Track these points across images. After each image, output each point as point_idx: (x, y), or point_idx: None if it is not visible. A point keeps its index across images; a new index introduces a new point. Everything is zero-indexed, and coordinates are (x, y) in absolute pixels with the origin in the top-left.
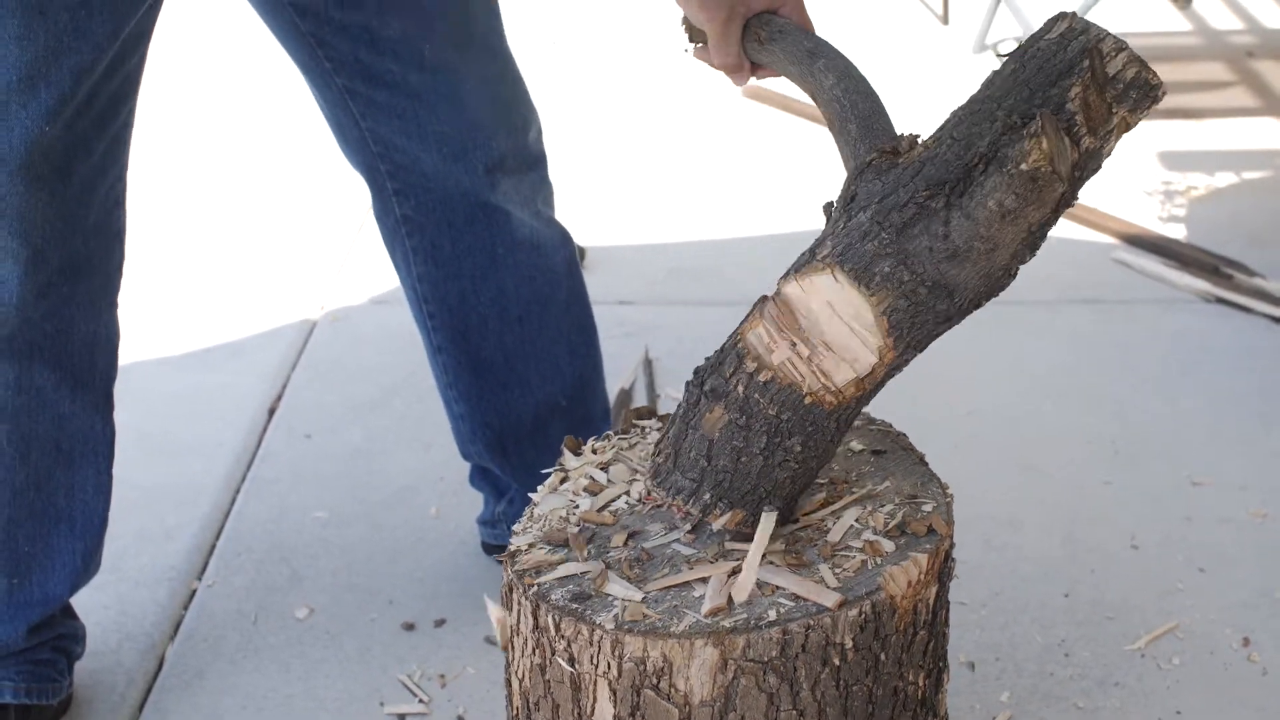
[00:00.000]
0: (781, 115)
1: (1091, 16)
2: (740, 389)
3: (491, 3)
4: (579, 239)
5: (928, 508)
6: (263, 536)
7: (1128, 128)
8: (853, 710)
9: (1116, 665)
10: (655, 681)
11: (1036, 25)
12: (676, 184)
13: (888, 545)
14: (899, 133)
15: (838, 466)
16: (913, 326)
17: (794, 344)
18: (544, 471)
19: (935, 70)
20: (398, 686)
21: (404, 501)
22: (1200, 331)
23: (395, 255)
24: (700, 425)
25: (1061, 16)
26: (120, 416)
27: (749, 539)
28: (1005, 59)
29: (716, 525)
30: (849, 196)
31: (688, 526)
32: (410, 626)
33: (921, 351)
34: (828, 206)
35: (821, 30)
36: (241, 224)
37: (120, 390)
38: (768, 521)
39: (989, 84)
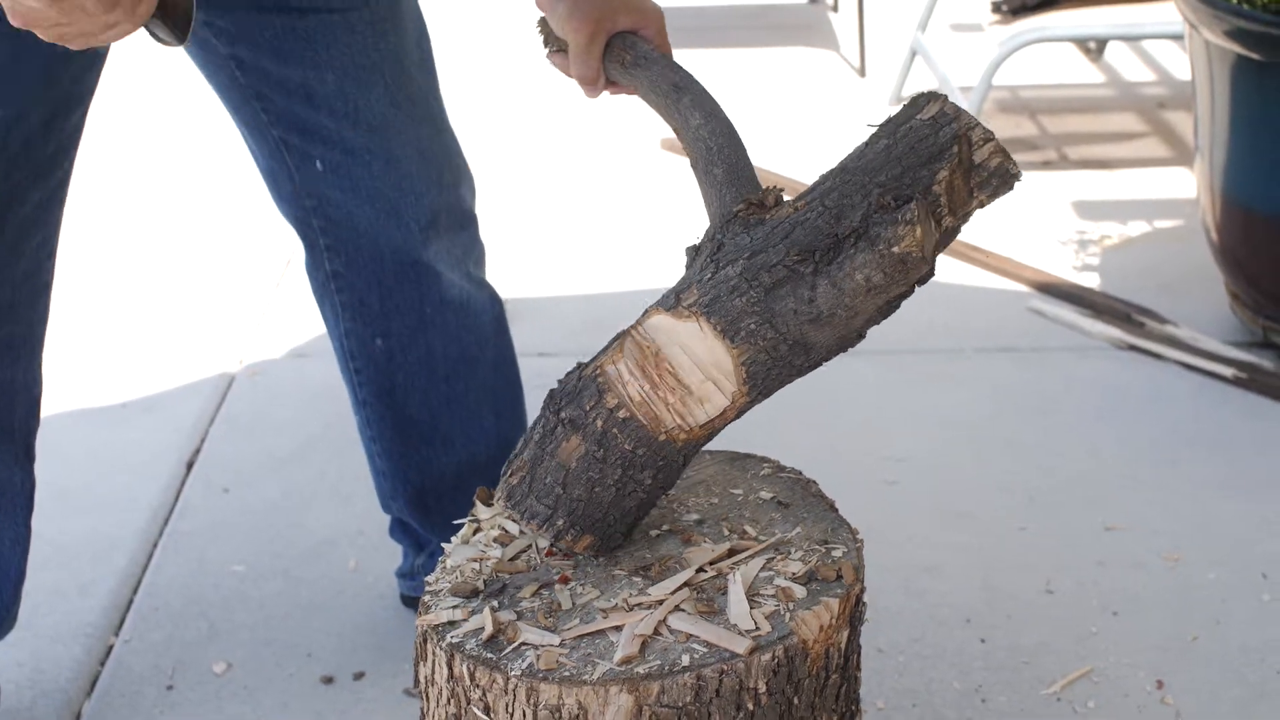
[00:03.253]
0: None
1: (1005, 69)
2: (599, 423)
3: (428, 62)
4: (500, 291)
5: (838, 553)
6: (180, 591)
7: (981, 207)
8: None
9: (1033, 709)
10: None
11: (951, 78)
12: (596, 235)
13: (799, 591)
14: (764, 185)
15: (748, 514)
16: (768, 377)
17: (653, 383)
18: (456, 523)
19: (852, 122)
20: None
21: (322, 555)
22: (1114, 378)
23: (324, 309)
24: (556, 453)
25: (934, 97)
26: (35, 470)
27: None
28: (876, 130)
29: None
30: (715, 245)
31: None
32: (329, 680)
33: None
34: (690, 250)
35: (739, 81)
36: (159, 277)
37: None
38: (676, 579)
39: (860, 155)
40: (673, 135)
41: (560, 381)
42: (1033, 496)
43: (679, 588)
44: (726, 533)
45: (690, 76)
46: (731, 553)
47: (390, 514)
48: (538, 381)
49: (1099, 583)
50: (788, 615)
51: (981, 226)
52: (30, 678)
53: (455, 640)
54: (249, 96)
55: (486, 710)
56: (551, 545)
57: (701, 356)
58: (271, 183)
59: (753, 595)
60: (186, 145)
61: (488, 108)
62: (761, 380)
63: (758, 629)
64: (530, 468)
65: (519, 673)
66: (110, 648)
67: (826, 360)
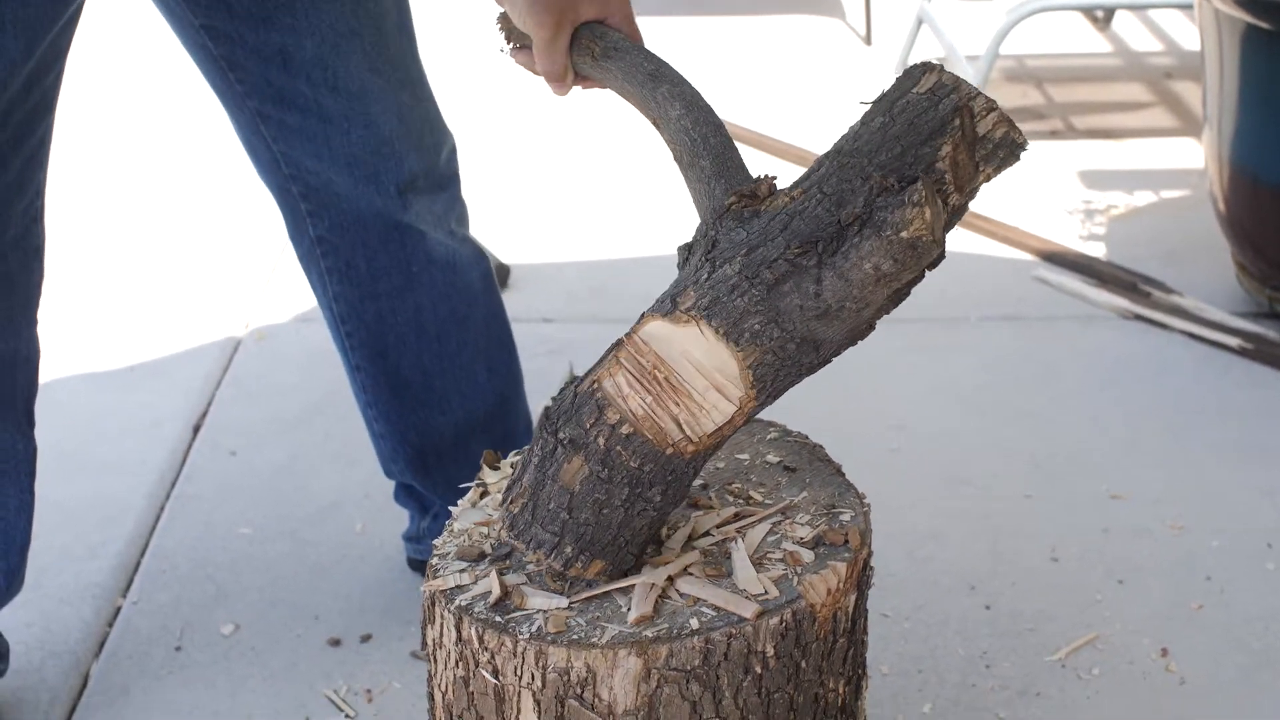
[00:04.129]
0: None
1: (1011, 38)
2: (601, 441)
3: (407, 25)
4: (502, 257)
5: (845, 517)
6: (187, 553)
7: (987, 180)
8: (774, 717)
9: (1037, 676)
10: (579, 691)
11: (958, 45)
12: (600, 201)
13: (806, 555)
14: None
15: (754, 478)
16: (776, 379)
17: (655, 394)
18: (463, 486)
19: (858, 91)
20: (324, 702)
21: (329, 518)
22: (1118, 348)
23: (311, 276)
24: (559, 476)
25: (928, 68)
26: (43, 434)
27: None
28: (870, 108)
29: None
30: (709, 242)
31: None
32: (336, 642)
33: (778, 398)
34: (683, 249)
35: (743, 49)
36: (166, 240)
37: (42, 408)
38: (682, 534)
39: (855, 136)
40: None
41: (554, 399)
42: (1037, 464)
43: (686, 549)
44: (732, 498)
45: (665, 64)
46: (738, 517)
47: (392, 478)
48: (541, 348)
49: (1103, 551)
50: (795, 580)
51: (987, 195)
52: (39, 638)
53: (464, 603)
54: (222, 67)
55: (495, 673)
56: (563, 573)
57: (704, 362)
58: (251, 153)
59: (760, 559)
60: (194, 106)
61: (485, 69)
62: (770, 382)
63: (765, 593)
64: (532, 493)
65: (527, 636)
66: (118, 609)
67: (836, 355)
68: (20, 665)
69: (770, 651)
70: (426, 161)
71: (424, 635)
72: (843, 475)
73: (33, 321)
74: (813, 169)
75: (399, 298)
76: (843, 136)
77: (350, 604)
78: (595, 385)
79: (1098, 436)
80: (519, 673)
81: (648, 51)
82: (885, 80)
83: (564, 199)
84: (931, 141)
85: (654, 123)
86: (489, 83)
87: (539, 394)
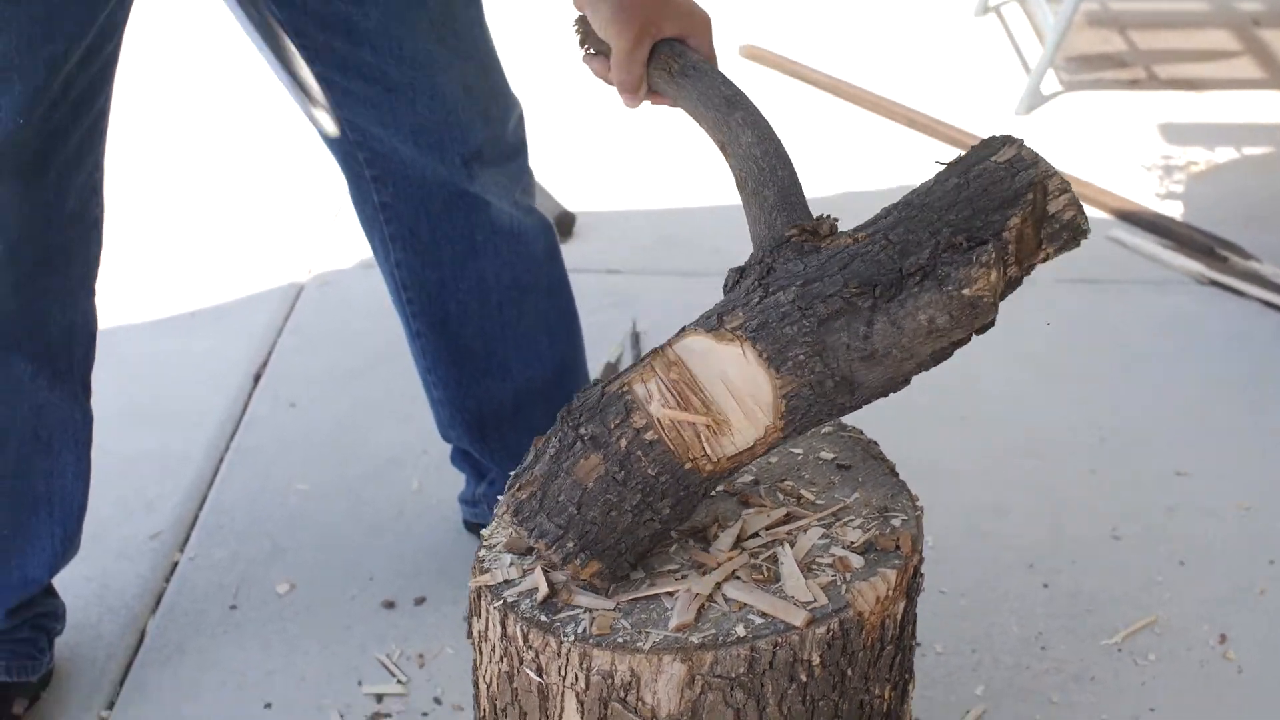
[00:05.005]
0: (779, 78)
1: None
2: (623, 443)
3: None
4: (567, 204)
5: (896, 522)
6: (245, 508)
7: (1045, 260)
8: None
9: (1093, 660)
10: (623, 695)
11: None
12: (668, 149)
13: (856, 561)
14: (816, 212)
15: (807, 475)
16: (807, 414)
17: (684, 407)
18: (513, 472)
19: (936, 32)
20: (376, 665)
21: (387, 475)
22: (1193, 315)
23: (374, 241)
24: (574, 471)
25: (1009, 140)
26: (102, 382)
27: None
28: (944, 167)
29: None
30: (764, 269)
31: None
32: (390, 604)
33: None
34: (734, 272)
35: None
36: (228, 183)
37: (102, 355)
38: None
39: (928, 191)
40: (753, 44)
41: (578, 396)
42: (1104, 437)
43: (734, 552)
44: (783, 496)
45: (741, 91)
46: (789, 518)
47: (449, 442)
48: (606, 300)
49: (1167, 529)
50: (844, 587)
51: (1063, 148)
52: (97, 594)
53: (510, 600)
54: (286, 33)
55: (539, 671)
56: (559, 568)
57: (739, 385)
58: (313, 119)
59: (809, 564)
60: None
61: (552, 18)
62: (800, 417)
63: (814, 600)
64: (543, 483)
65: (573, 637)
66: (175, 564)
67: (867, 403)
68: (77, 620)
69: (816, 660)
70: (493, 132)
71: (470, 625)
72: (896, 475)
73: (91, 293)
74: (879, 216)
75: (462, 266)
76: (914, 190)
77: (405, 565)
78: (626, 387)
79: (1167, 409)
80: (563, 673)
81: (724, 76)
82: (964, 23)
83: (633, 144)
84: (1003, 210)
85: (722, 146)
86: (553, 26)
87: (600, 348)
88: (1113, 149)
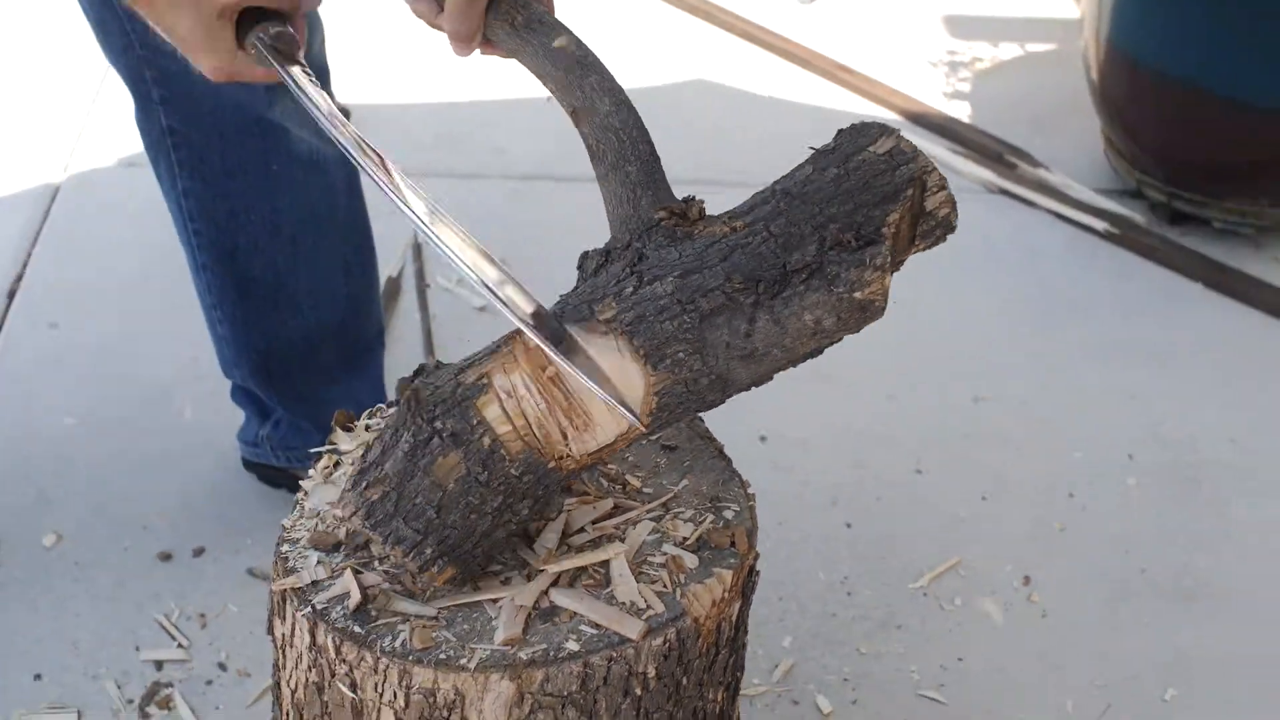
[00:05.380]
0: None
1: None
2: (486, 441)
3: None
4: (342, 97)
5: (729, 514)
6: (5, 448)
7: (912, 254)
8: None
9: (899, 606)
10: (445, 715)
11: None
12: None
13: (690, 560)
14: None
15: (631, 457)
16: (675, 411)
17: (549, 402)
18: (313, 451)
19: None
20: (155, 627)
21: (158, 404)
22: (984, 226)
23: (159, 168)
24: (431, 470)
25: (885, 130)
26: None
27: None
28: (818, 155)
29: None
30: (636, 255)
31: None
32: (167, 556)
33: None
34: (595, 255)
35: None
36: None
37: None
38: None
39: (806, 180)
40: None
41: (424, 380)
42: (899, 358)
43: (560, 549)
44: (607, 483)
45: (591, 52)
46: (616, 510)
47: (232, 380)
48: (384, 206)
49: (968, 460)
50: (678, 591)
51: (846, 39)
52: None
53: (320, 606)
54: None
55: (353, 687)
56: (416, 576)
57: (608, 379)
58: (100, 31)
59: (640, 563)
60: None
61: None
62: (668, 414)
63: (649, 608)
64: (397, 484)
65: (391, 651)
66: None
67: (724, 401)
68: None
69: (652, 672)
70: None
71: (271, 624)
72: (725, 457)
73: None
74: (755, 204)
75: (255, 197)
76: (788, 178)
77: (182, 510)
78: (484, 379)
79: (962, 329)
80: (380, 689)
81: (573, 34)
82: None
83: (412, 31)
84: (883, 206)
85: (573, 112)
86: None
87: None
88: (897, 43)
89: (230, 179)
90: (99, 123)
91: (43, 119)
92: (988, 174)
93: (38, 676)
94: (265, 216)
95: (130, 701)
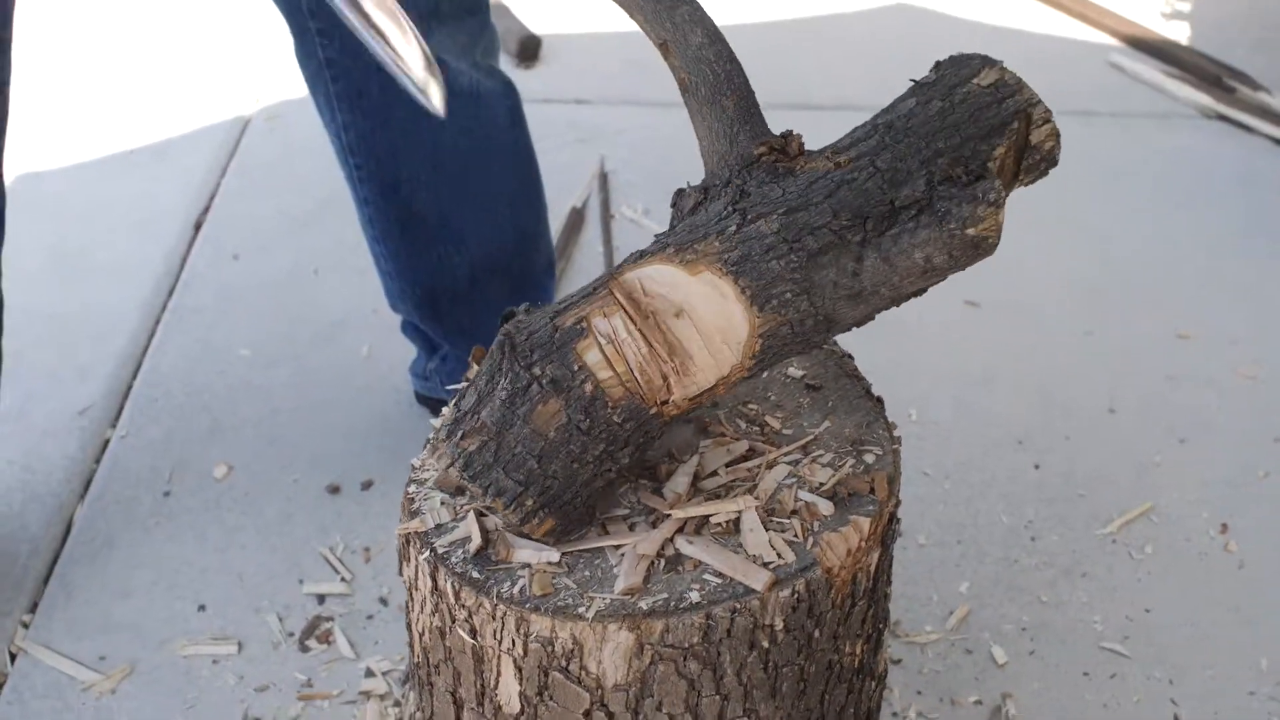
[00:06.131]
0: None
1: None
2: (588, 387)
3: None
4: (532, 26)
5: (870, 458)
6: (182, 378)
7: (1018, 187)
8: (782, 691)
9: (1085, 553)
10: (564, 664)
11: None
12: None
13: (825, 508)
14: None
15: (773, 396)
16: (779, 352)
17: (650, 345)
18: (449, 389)
19: None
20: (319, 560)
21: (334, 339)
22: (1198, 153)
23: (318, 100)
24: (531, 418)
25: (988, 62)
26: (33, 232)
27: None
28: (922, 89)
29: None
30: (737, 193)
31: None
32: (335, 489)
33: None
34: (693, 191)
35: None
36: (166, 7)
37: (31, 201)
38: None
39: (910, 114)
40: None
41: (517, 323)
42: (1099, 292)
43: (691, 493)
44: (745, 424)
45: None
46: (750, 452)
47: (399, 314)
48: (572, 135)
49: (1167, 400)
50: (810, 541)
51: None
52: (20, 479)
53: (441, 550)
54: None
55: (473, 633)
56: (517, 528)
57: (708, 321)
58: None
59: (772, 510)
60: None
61: None
62: (771, 356)
63: (778, 558)
64: (497, 433)
65: (509, 598)
66: (106, 443)
67: (824, 345)
68: (0, 509)
69: (780, 625)
70: None
71: (401, 566)
72: (872, 398)
73: None
74: (857, 138)
75: (415, 129)
76: (890, 111)
77: (352, 443)
78: (583, 323)
79: (1168, 262)
80: (498, 636)
81: None
82: None
83: None
84: (989, 139)
85: (662, 44)
86: None
87: (565, 190)
88: None
89: (389, 110)
90: (292, 55)
91: (237, 51)
92: (1204, 98)
93: (202, 607)
94: (426, 150)
95: (291, 634)
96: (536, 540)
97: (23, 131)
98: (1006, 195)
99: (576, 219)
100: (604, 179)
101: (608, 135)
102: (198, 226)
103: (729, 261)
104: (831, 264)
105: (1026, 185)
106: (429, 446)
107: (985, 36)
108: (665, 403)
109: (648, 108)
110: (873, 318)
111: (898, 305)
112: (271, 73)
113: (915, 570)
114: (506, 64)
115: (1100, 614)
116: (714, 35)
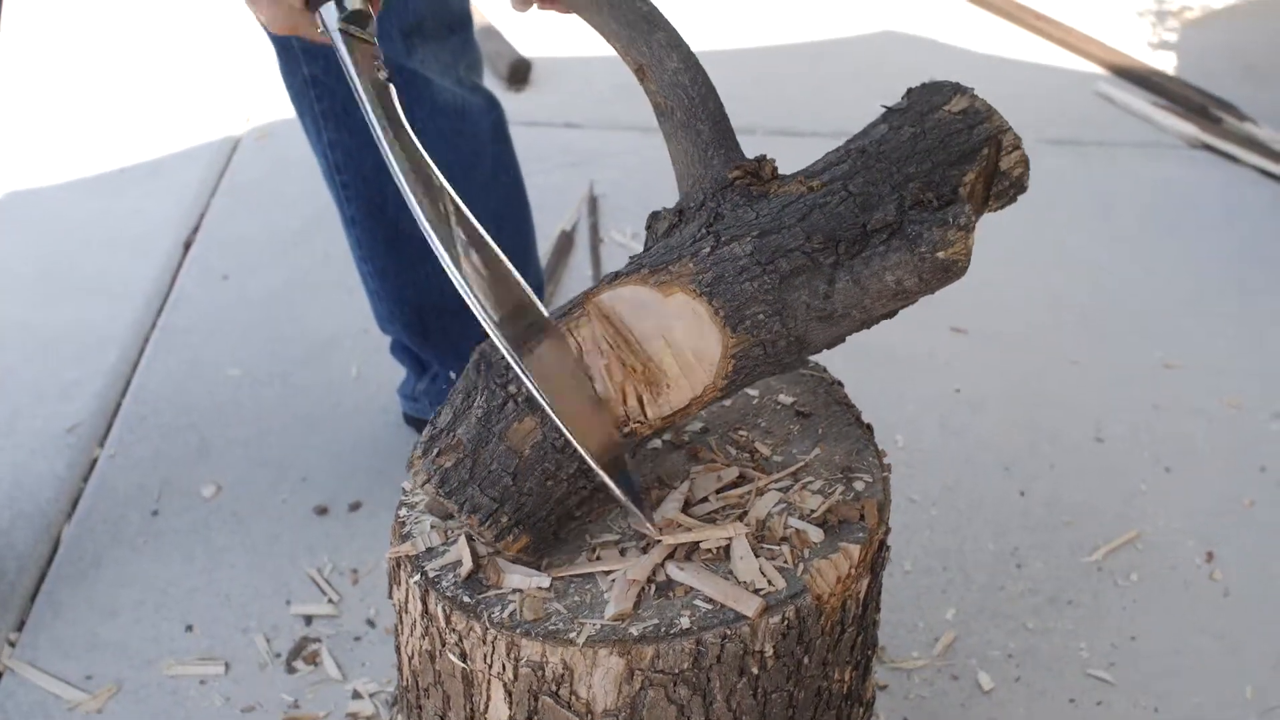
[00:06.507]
0: None
1: None
2: None
3: None
4: (523, 50)
5: (861, 485)
6: (170, 397)
7: (986, 213)
8: (771, 717)
9: (1071, 580)
10: (554, 689)
11: None
12: None
13: (815, 535)
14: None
15: (763, 423)
16: (751, 373)
17: (623, 365)
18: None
19: None
20: (306, 581)
21: (323, 358)
22: (1185, 183)
23: (305, 119)
24: (507, 436)
25: (959, 89)
26: (21, 247)
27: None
28: (891, 113)
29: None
30: (711, 215)
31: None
32: (323, 510)
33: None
34: (667, 214)
35: None
36: (161, 25)
37: (22, 218)
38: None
39: (882, 139)
40: None
41: (491, 345)
42: (1086, 320)
43: (680, 523)
44: (735, 451)
45: (657, 9)
46: (741, 479)
47: (388, 335)
48: (563, 159)
49: (1153, 429)
50: (800, 567)
51: None
52: (8, 495)
53: (431, 574)
54: None
55: (463, 657)
56: (492, 545)
57: (681, 341)
58: None
59: (763, 537)
60: None
61: None
62: (744, 376)
63: (768, 584)
64: (472, 450)
65: (499, 622)
66: (94, 461)
67: (799, 366)
68: None
69: (769, 651)
70: (434, 2)
71: (390, 588)
72: (862, 425)
73: None
74: (830, 163)
75: None
76: (863, 136)
77: (340, 463)
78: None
79: (1155, 291)
80: (489, 660)
81: None
82: None
83: None
84: (960, 165)
85: (638, 69)
86: None
87: (554, 213)
88: None
89: None
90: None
91: (228, 70)
92: (1190, 128)
93: (189, 627)
94: None
95: (278, 655)
96: (511, 557)
97: (15, 148)
98: (976, 220)
99: (566, 242)
100: (593, 203)
101: (598, 159)
102: (187, 246)
103: (703, 283)
104: (804, 286)
105: (996, 210)
106: (408, 464)
107: (973, 64)
108: (640, 421)
109: (638, 132)
110: (844, 339)
111: (869, 327)
112: (262, 92)
113: (902, 596)
114: (497, 87)
115: (1086, 641)
116: (689, 61)
